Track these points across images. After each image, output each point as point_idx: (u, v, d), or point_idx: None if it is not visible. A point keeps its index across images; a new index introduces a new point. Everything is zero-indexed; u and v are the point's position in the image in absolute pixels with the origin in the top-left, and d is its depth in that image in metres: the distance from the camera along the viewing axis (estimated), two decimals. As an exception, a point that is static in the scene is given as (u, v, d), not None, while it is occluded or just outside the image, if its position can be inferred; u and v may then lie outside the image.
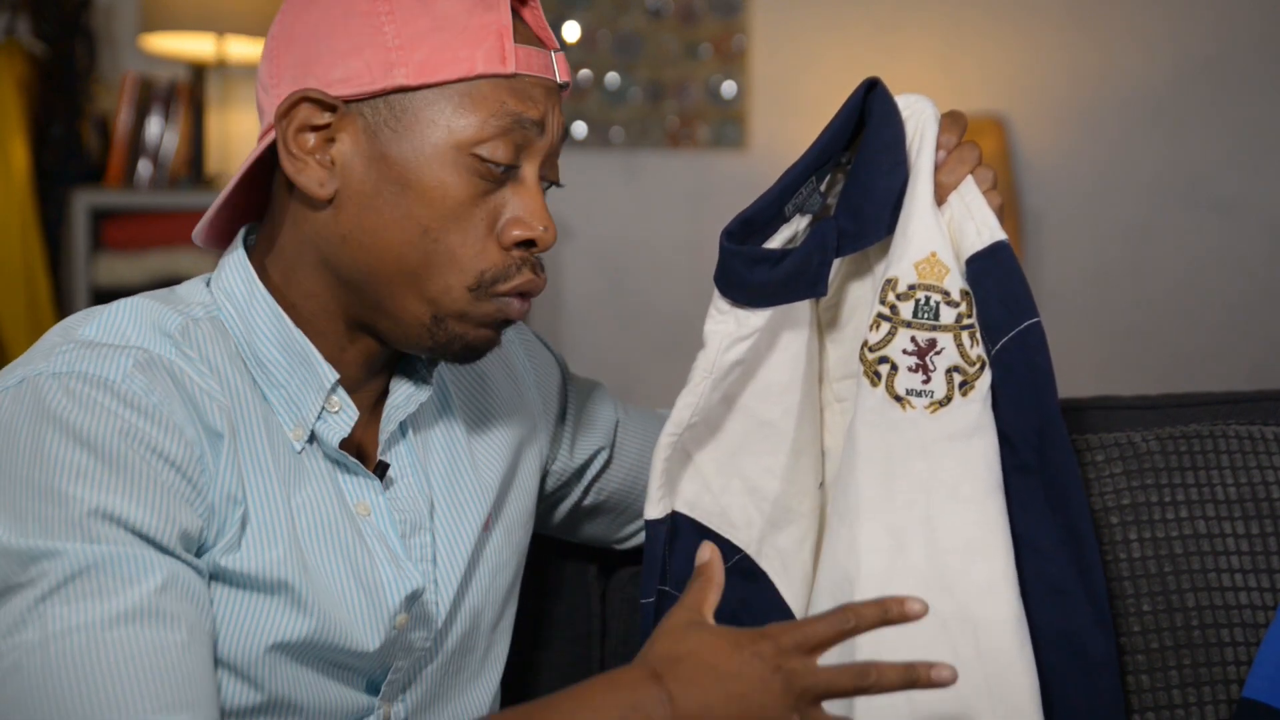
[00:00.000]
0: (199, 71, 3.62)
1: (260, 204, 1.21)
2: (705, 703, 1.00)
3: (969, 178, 1.24)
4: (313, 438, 1.15)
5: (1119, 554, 1.41)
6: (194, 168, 3.60)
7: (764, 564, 1.30)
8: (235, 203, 1.21)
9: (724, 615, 1.12)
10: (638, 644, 1.14)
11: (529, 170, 1.13)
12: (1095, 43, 3.82)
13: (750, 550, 1.30)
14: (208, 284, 1.18)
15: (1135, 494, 1.44)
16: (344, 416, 1.16)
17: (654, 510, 1.30)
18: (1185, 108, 3.81)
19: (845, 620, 1.02)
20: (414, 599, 1.18)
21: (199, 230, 1.21)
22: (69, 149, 3.60)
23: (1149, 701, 1.37)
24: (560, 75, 1.15)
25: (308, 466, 1.15)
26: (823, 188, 1.26)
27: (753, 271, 1.24)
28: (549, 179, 1.17)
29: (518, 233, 1.12)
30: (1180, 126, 3.81)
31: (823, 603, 1.24)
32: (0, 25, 3.61)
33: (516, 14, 1.14)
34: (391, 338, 1.16)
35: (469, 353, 1.15)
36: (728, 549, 1.29)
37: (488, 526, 1.27)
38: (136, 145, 3.63)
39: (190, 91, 3.63)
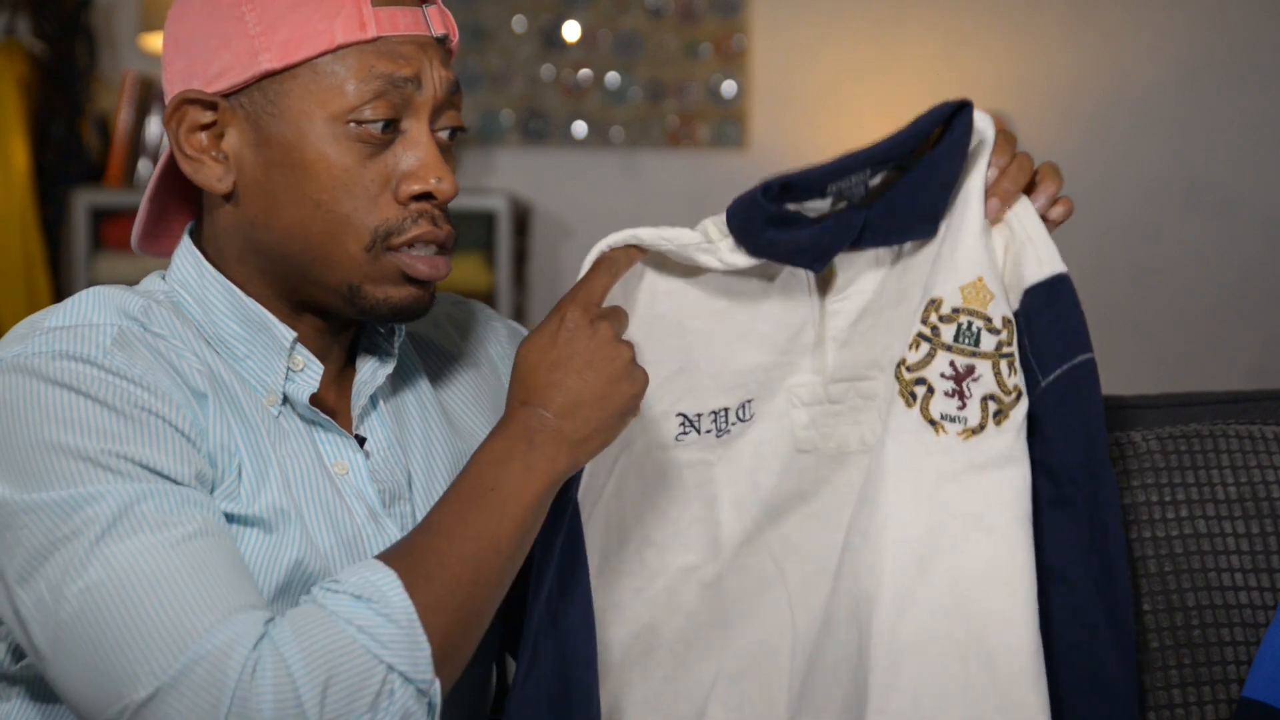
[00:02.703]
0: (199, 71, 3.62)
1: (192, 204, 1.25)
2: (570, 393, 1.12)
3: (1026, 201, 1.24)
4: (285, 400, 1.18)
5: (1119, 554, 1.41)
6: (194, 167, 3.61)
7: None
8: (172, 207, 1.25)
9: None
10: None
11: (413, 125, 1.15)
12: (1096, 42, 3.82)
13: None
14: (163, 277, 1.22)
15: (1135, 493, 1.44)
16: (309, 373, 1.18)
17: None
18: (1187, 107, 3.81)
19: (604, 266, 1.19)
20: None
21: (137, 241, 1.26)
22: (69, 148, 3.61)
23: (1149, 701, 1.37)
24: (434, 29, 1.16)
25: (286, 428, 1.17)
26: (872, 182, 1.24)
27: (765, 231, 1.21)
28: (448, 126, 1.18)
29: (412, 187, 1.15)
30: (1182, 126, 3.81)
31: (843, 622, 1.23)
32: (0, 25, 3.61)
33: None
34: (327, 310, 1.19)
35: (400, 313, 1.17)
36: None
37: None
38: (137, 145, 3.63)
39: (190, 91, 3.63)
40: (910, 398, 1.22)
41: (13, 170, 3.47)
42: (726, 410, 1.30)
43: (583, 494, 1.25)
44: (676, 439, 1.29)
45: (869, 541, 1.22)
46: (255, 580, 1.09)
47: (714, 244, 1.24)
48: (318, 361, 1.19)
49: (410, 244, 1.15)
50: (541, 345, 1.14)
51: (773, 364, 1.30)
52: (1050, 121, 3.82)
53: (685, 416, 1.29)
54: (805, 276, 1.28)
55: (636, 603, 1.30)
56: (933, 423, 1.22)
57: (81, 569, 1.00)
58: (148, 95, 3.64)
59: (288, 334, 1.17)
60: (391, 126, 1.14)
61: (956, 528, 1.21)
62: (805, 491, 1.31)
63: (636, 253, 1.22)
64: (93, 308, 1.12)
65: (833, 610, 1.25)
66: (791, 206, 1.22)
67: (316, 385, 1.18)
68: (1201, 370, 3.76)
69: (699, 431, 1.29)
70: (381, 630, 1.02)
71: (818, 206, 1.24)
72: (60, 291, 3.60)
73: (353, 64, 1.12)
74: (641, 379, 1.16)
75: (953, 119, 1.21)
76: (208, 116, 1.14)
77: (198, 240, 1.22)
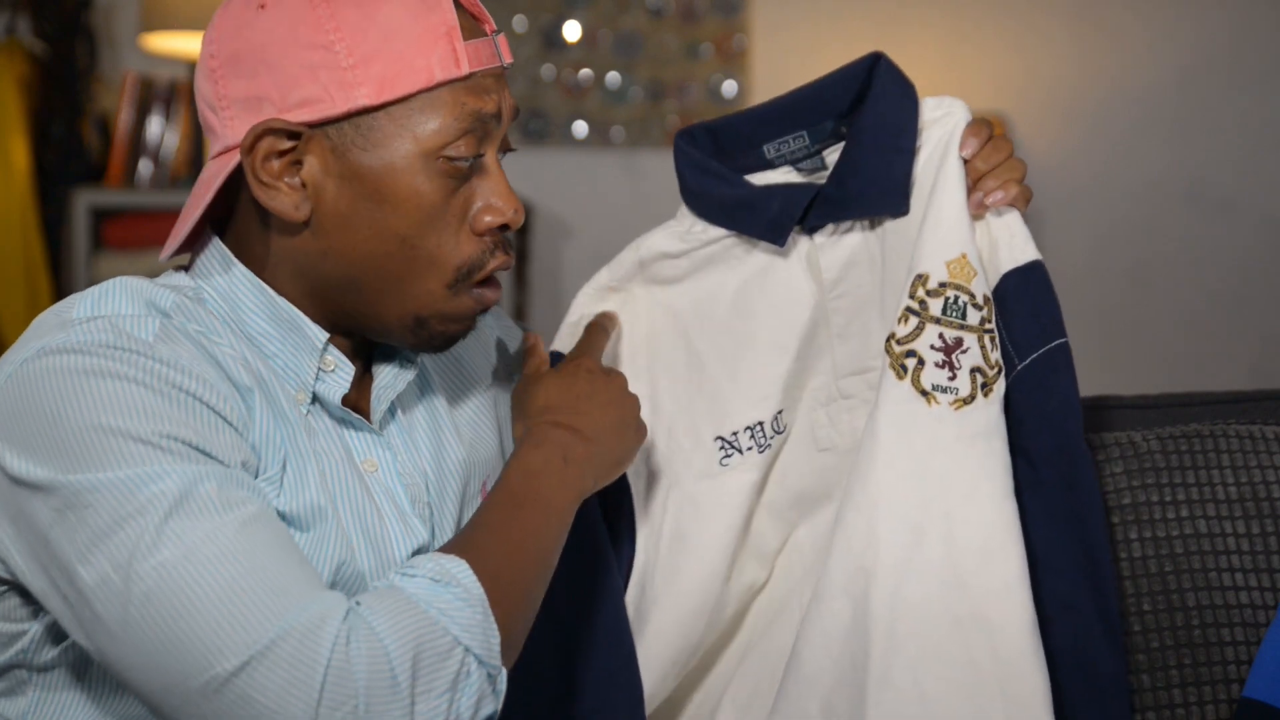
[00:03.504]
0: (199, 71, 3.62)
1: (221, 212, 1.21)
2: (597, 423, 1.23)
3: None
4: (314, 400, 1.17)
5: (1119, 554, 1.41)
6: (195, 167, 3.61)
7: (632, 480, 1.33)
8: (203, 219, 1.22)
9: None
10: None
11: (491, 157, 1.16)
12: (1097, 42, 3.82)
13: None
14: (185, 271, 1.20)
15: (1136, 493, 1.44)
16: (340, 373, 1.18)
17: (561, 344, 1.35)
18: (1187, 107, 3.81)
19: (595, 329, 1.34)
20: (418, 555, 1.19)
21: (166, 254, 1.22)
22: (70, 148, 3.60)
23: (1149, 701, 1.37)
24: (505, 58, 1.16)
25: (315, 427, 1.17)
26: (828, 155, 1.28)
27: (700, 180, 1.30)
28: (505, 149, 1.20)
29: (490, 219, 1.15)
30: (1182, 126, 3.81)
31: (836, 593, 1.23)
32: (1, 25, 3.61)
33: (457, 4, 1.14)
34: (374, 335, 1.19)
35: (448, 344, 1.19)
36: None
37: (484, 493, 1.29)
38: (137, 145, 3.63)
39: (191, 91, 3.63)
40: (901, 370, 1.24)
41: (13, 170, 3.47)
42: (761, 424, 1.32)
43: (643, 539, 1.30)
44: (721, 464, 1.32)
45: (863, 513, 1.23)
46: None
47: (682, 218, 1.31)
48: (349, 362, 1.18)
49: (489, 278, 1.17)
50: (566, 383, 1.26)
51: (792, 372, 1.32)
52: (1050, 121, 3.82)
53: (724, 439, 1.32)
54: (807, 282, 1.30)
55: (698, 624, 1.33)
56: (925, 393, 1.23)
57: (153, 547, 1.00)
58: (148, 95, 3.64)
59: (320, 334, 1.16)
60: (476, 161, 1.14)
61: (951, 498, 1.22)
62: (830, 489, 1.33)
63: (614, 316, 1.36)
64: (122, 299, 1.11)
65: (824, 583, 1.25)
66: (750, 178, 1.29)
67: (348, 386, 1.18)
68: (1201, 370, 3.76)
69: (740, 451, 1.32)
70: (460, 613, 1.04)
71: (774, 178, 1.29)
72: (60, 291, 3.59)
73: (446, 100, 1.12)
74: (645, 432, 1.28)
75: (873, 78, 1.24)
76: (288, 144, 1.12)
77: (232, 249, 1.19)
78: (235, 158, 1.13)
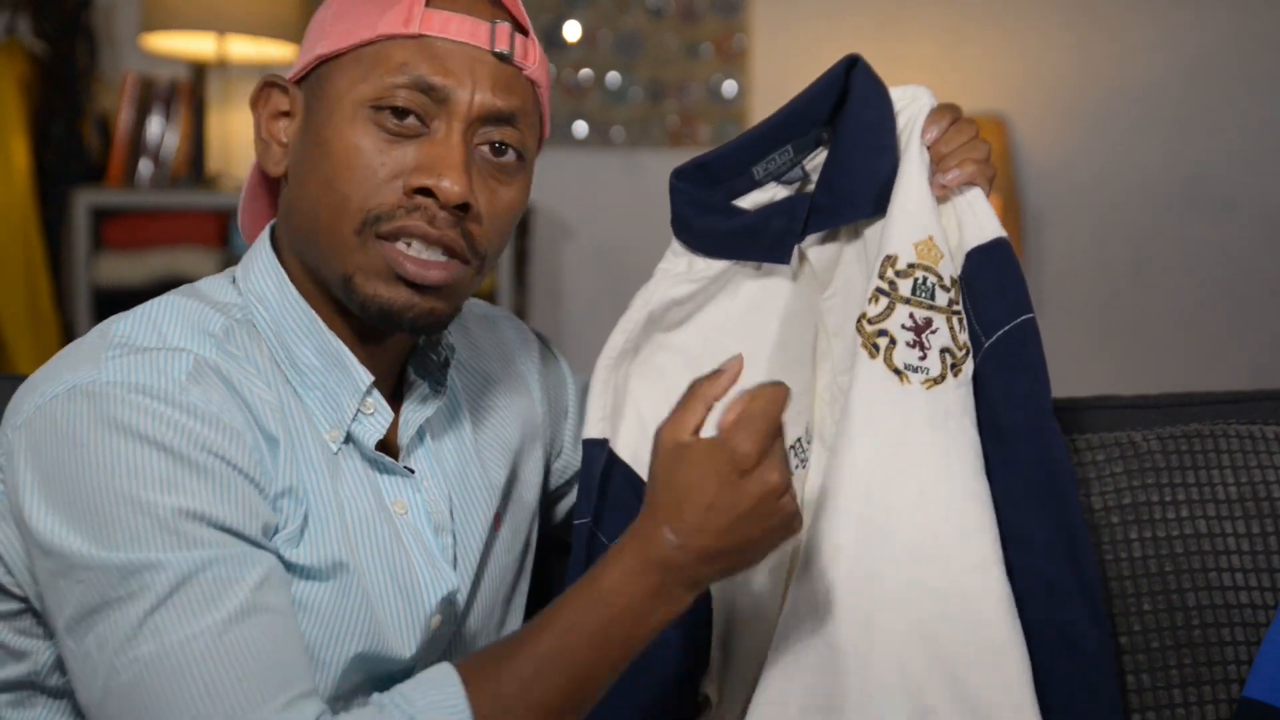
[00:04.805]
0: (200, 71, 3.62)
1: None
2: (719, 542, 1.05)
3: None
4: (348, 439, 1.16)
5: (1119, 553, 1.41)
6: (195, 167, 3.60)
7: None
8: (269, 198, 1.27)
9: None
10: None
11: (443, 127, 1.13)
12: (1096, 42, 3.82)
13: None
14: (233, 280, 1.19)
15: (1136, 493, 1.44)
16: (379, 418, 1.17)
17: (591, 431, 1.32)
18: (1187, 106, 3.81)
19: (704, 397, 1.09)
20: (449, 600, 1.19)
21: (244, 229, 1.27)
22: (70, 148, 3.60)
23: (1149, 701, 1.37)
24: (496, 44, 1.15)
25: (343, 467, 1.15)
26: (807, 163, 1.29)
27: (701, 217, 1.29)
28: (489, 141, 1.16)
29: (416, 179, 1.12)
30: (1182, 125, 3.81)
31: (812, 571, 1.23)
32: (1, 25, 3.61)
33: None
34: (355, 312, 1.15)
35: (390, 316, 1.13)
36: None
37: (497, 525, 1.28)
38: (137, 144, 3.63)
39: (191, 91, 3.62)
40: (874, 349, 1.24)
41: (13, 170, 3.47)
42: (800, 441, 1.33)
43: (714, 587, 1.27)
44: None
45: (841, 490, 1.23)
46: (313, 651, 1.09)
47: (677, 257, 1.30)
48: (389, 409, 1.18)
49: (398, 235, 1.12)
50: (704, 477, 1.06)
51: (810, 379, 1.33)
52: (1051, 122, 3.82)
53: None
54: (803, 289, 1.30)
55: (742, 648, 1.33)
56: (897, 372, 1.24)
57: (133, 639, 1.00)
58: (148, 95, 3.63)
59: (365, 377, 1.16)
60: (415, 120, 1.13)
61: (923, 475, 1.22)
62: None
63: (728, 377, 1.12)
64: (170, 324, 1.11)
65: (803, 567, 1.25)
66: (736, 204, 1.28)
67: (384, 432, 1.18)
68: (1203, 369, 3.75)
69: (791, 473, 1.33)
70: None
71: (761, 198, 1.29)
72: (60, 291, 3.59)
73: (392, 56, 1.13)
74: (798, 526, 1.09)
75: (851, 80, 1.25)
76: (285, 104, 1.18)
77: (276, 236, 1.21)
78: None
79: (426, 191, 1.12)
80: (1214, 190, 3.81)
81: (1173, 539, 1.41)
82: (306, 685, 1.04)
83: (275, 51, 3.58)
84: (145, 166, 3.63)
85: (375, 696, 1.06)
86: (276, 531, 1.09)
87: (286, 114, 1.18)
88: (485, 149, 1.16)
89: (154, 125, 3.63)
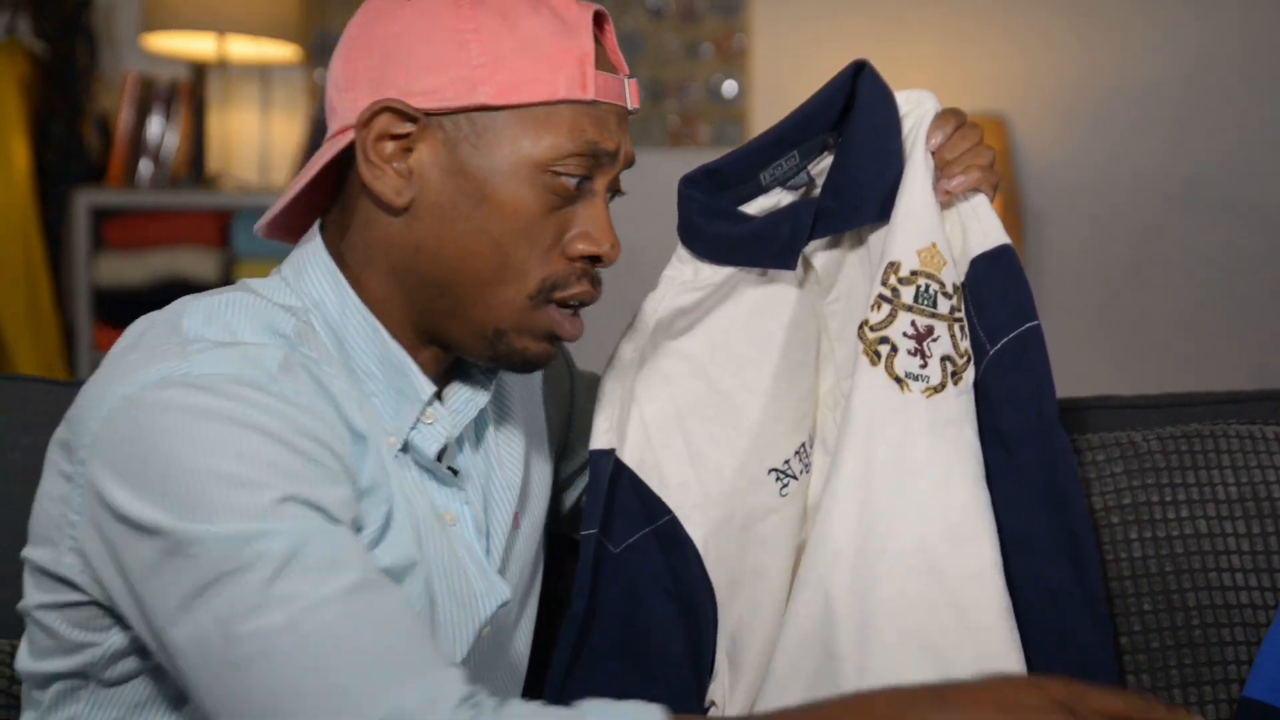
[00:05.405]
0: (200, 71, 3.62)
1: (321, 199, 1.21)
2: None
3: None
4: (405, 448, 1.16)
5: (1120, 554, 1.41)
6: (195, 167, 3.61)
7: (691, 531, 1.30)
8: (298, 196, 1.21)
9: (648, 577, 1.21)
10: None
11: (599, 189, 1.16)
12: (1097, 42, 3.82)
13: (680, 514, 1.30)
14: (284, 281, 1.18)
15: (1136, 493, 1.44)
16: (439, 428, 1.17)
17: (598, 441, 1.31)
18: (1188, 107, 3.81)
19: (1141, 708, 0.95)
20: (501, 609, 1.20)
21: (260, 225, 1.22)
22: (70, 148, 3.60)
23: (1149, 701, 1.37)
24: (631, 101, 1.18)
25: (402, 475, 1.15)
26: (812, 168, 1.29)
27: (710, 223, 1.28)
28: (615, 190, 1.20)
29: (583, 246, 1.15)
30: (1183, 125, 3.81)
31: (812, 583, 1.23)
32: (1, 25, 3.61)
33: (596, 40, 1.16)
34: (455, 346, 1.17)
35: (528, 365, 1.18)
36: (658, 508, 1.30)
37: (516, 524, 1.28)
38: (137, 145, 3.63)
39: (191, 91, 3.63)
40: (875, 356, 1.24)
41: (13, 170, 3.47)
42: (804, 445, 1.33)
43: (722, 589, 1.29)
44: (781, 494, 1.32)
45: (838, 499, 1.23)
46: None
47: (683, 264, 1.30)
48: (448, 420, 1.18)
49: (567, 301, 1.16)
50: (1012, 685, 0.98)
51: (814, 384, 1.33)
52: (1051, 123, 3.82)
53: (778, 470, 1.33)
54: (807, 293, 1.30)
55: (755, 643, 1.33)
56: (898, 380, 1.24)
57: (256, 609, 0.97)
58: (148, 95, 3.64)
59: (427, 387, 1.16)
60: (584, 184, 1.15)
61: (923, 484, 1.22)
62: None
63: None
64: (242, 323, 1.10)
65: (800, 574, 1.26)
66: (742, 209, 1.28)
67: (443, 443, 1.17)
68: (1203, 370, 3.75)
69: (795, 477, 1.33)
70: None
71: (767, 203, 1.29)
72: (61, 291, 3.59)
73: (566, 119, 1.12)
74: None
75: (858, 85, 1.25)
76: (404, 128, 1.12)
77: (329, 240, 1.18)
78: (348, 137, 1.13)
79: (592, 258, 1.16)
80: (1214, 190, 3.81)
81: (1173, 539, 1.42)
82: (444, 652, 1.02)
83: (275, 51, 3.59)
84: (145, 166, 3.63)
85: (579, 703, 1.00)
86: (360, 530, 1.08)
87: (399, 138, 1.12)
88: (607, 196, 1.19)
89: (154, 125, 3.64)
